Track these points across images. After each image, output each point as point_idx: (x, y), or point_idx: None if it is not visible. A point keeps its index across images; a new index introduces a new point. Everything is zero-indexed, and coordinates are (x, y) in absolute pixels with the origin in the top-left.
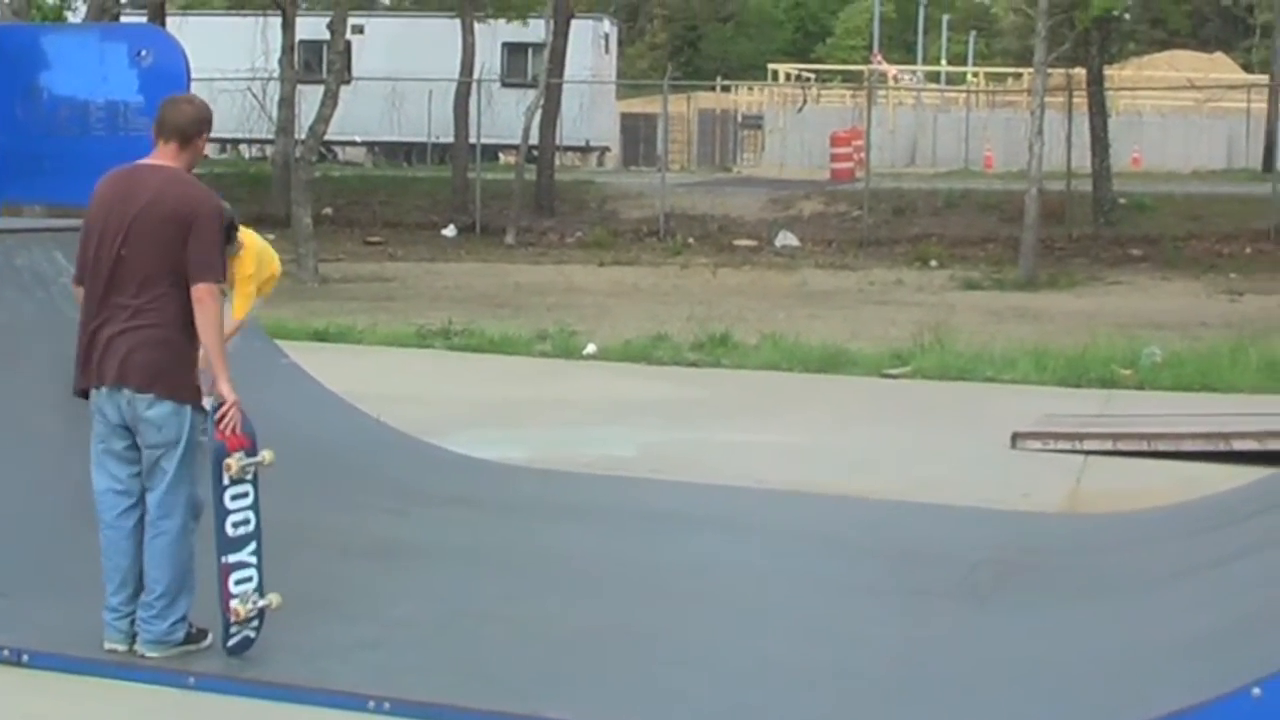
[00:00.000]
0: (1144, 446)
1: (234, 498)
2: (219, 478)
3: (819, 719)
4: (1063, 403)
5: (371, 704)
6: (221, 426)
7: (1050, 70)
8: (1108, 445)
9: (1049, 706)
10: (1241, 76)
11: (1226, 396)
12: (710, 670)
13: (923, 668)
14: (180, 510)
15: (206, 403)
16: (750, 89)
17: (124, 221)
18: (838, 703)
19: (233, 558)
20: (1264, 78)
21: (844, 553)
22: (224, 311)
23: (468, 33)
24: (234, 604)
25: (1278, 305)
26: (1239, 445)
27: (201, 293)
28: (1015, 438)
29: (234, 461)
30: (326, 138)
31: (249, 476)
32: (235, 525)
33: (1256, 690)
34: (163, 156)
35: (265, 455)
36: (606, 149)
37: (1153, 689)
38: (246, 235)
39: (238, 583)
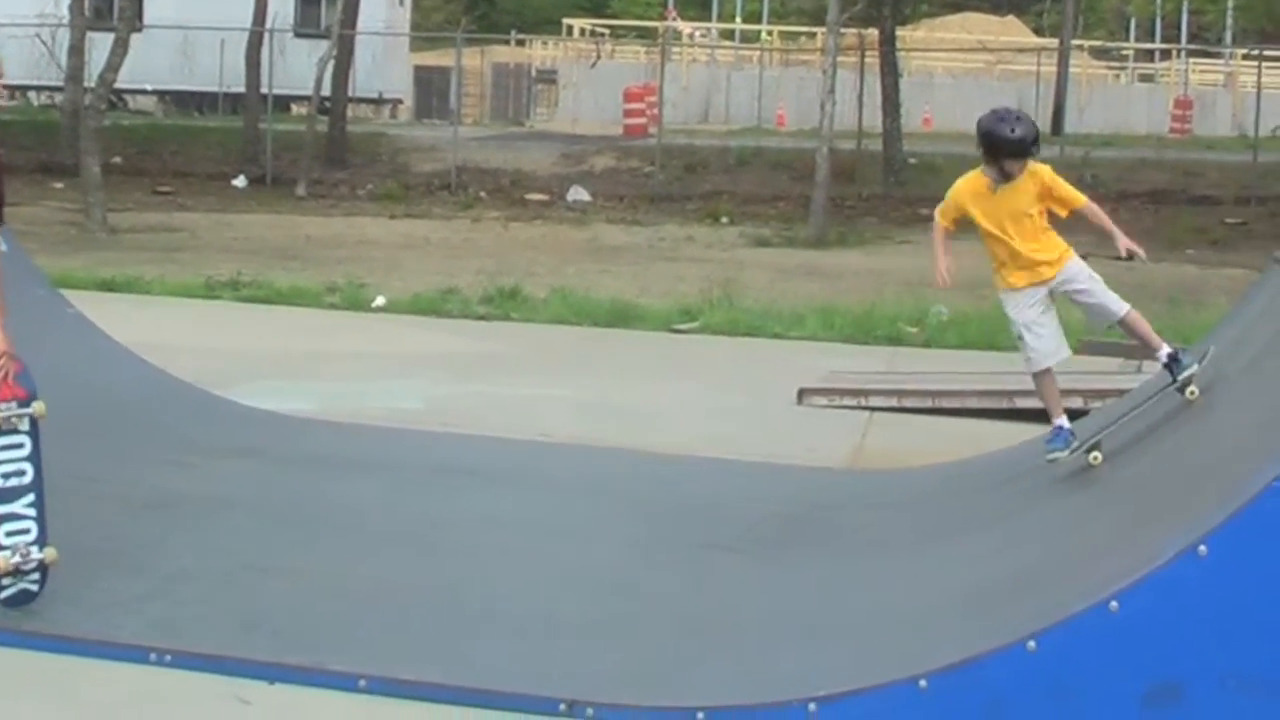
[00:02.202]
0: (928, 404)
1: (3, 448)
2: None
3: (606, 671)
4: (849, 360)
5: (154, 656)
6: None
7: (843, 30)
8: (892, 402)
9: (829, 659)
10: (1032, 40)
11: (1010, 355)
12: (496, 624)
13: (707, 621)
14: None
15: None
16: (545, 43)
17: None
18: (624, 655)
19: (2, 509)
20: (1054, 42)
21: (630, 507)
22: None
23: None
24: (1, 556)
25: None
26: (1021, 403)
27: None
28: (801, 394)
29: None
30: (117, 86)
31: (22, 428)
32: (5, 476)
33: (1032, 644)
34: None
35: (36, 407)
36: (399, 101)
37: (931, 642)
38: None
39: (8, 535)
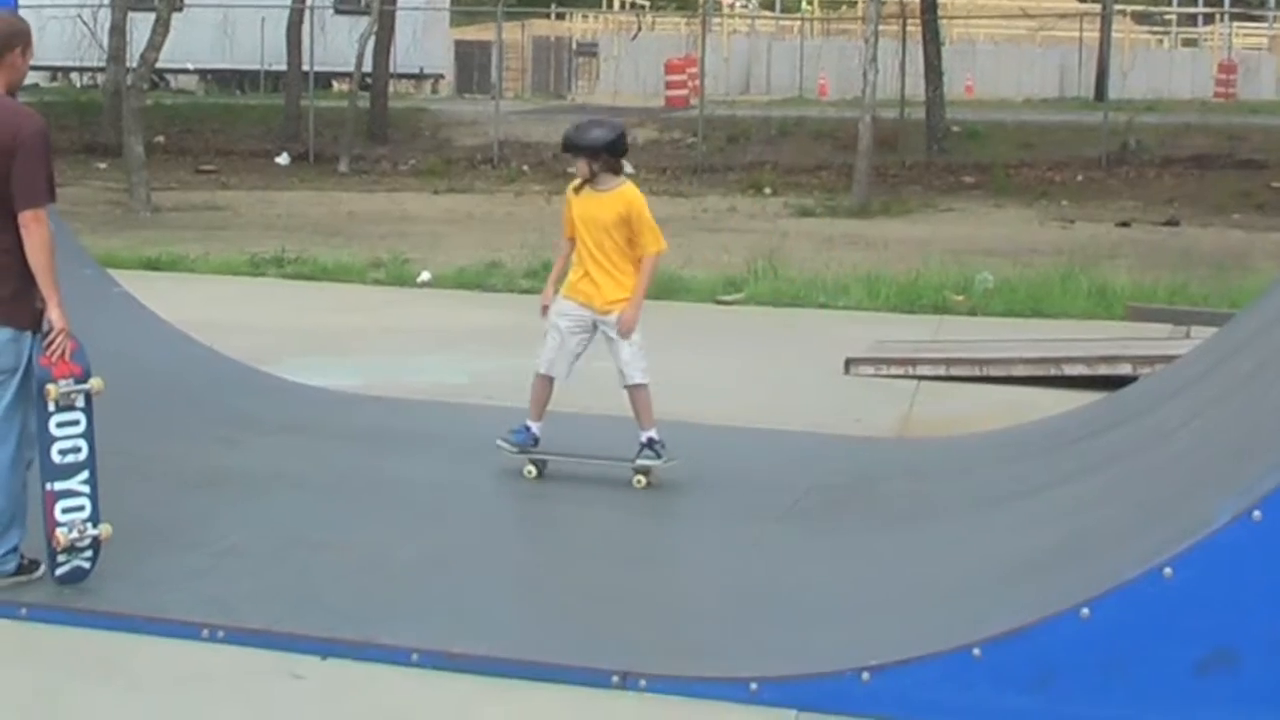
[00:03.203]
0: (976, 371)
1: (60, 425)
2: (43, 404)
3: (657, 643)
4: (895, 328)
5: (205, 632)
6: (49, 353)
7: None
8: (940, 370)
9: (882, 628)
10: (1074, 6)
11: (1057, 322)
12: (546, 596)
13: (757, 591)
14: (12, 439)
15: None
16: (585, 16)
17: None
18: (675, 627)
19: (59, 485)
20: (1096, 7)
21: (677, 478)
22: None
23: None
24: (59, 532)
25: (1108, 232)
26: (1069, 370)
27: (27, 219)
28: (848, 363)
29: (54, 388)
30: (158, 66)
31: (79, 404)
32: (62, 453)
33: (1085, 611)
34: None
35: (94, 383)
36: (440, 77)
37: (983, 611)
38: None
39: (65, 511)
